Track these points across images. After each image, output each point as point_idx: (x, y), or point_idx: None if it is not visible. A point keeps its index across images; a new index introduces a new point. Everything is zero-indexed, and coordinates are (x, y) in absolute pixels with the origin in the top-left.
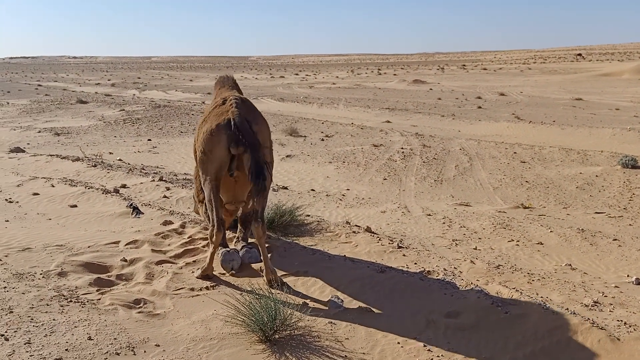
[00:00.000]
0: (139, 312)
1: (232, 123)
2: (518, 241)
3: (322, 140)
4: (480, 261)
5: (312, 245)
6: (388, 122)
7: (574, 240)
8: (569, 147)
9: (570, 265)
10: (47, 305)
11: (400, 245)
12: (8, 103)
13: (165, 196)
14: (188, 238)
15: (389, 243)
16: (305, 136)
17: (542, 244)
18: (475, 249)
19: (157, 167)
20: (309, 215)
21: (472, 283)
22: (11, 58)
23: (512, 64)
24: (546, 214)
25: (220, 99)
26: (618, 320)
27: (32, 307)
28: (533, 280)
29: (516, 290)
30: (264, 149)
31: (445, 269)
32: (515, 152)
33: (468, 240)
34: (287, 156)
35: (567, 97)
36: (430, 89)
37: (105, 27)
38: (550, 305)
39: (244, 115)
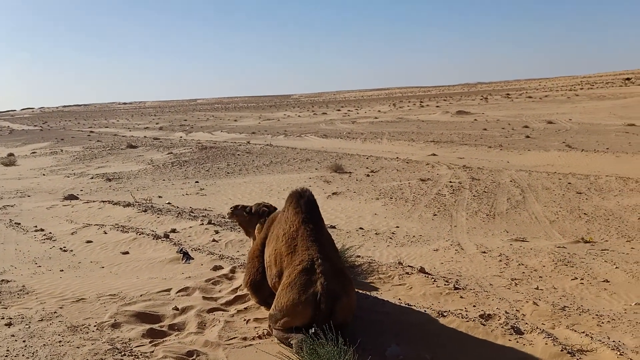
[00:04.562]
0: None
1: (319, 301)
2: (582, 279)
3: (368, 175)
4: (544, 302)
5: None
6: (434, 155)
7: None
8: (626, 176)
9: None
10: (102, 359)
11: (456, 286)
12: (62, 150)
13: (214, 240)
14: (238, 284)
15: (445, 284)
16: (350, 172)
17: (608, 281)
18: (537, 288)
19: (205, 209)
20: (359, 256)
21: (537, 327)
22: (64, 106)
23: (558, 91)
24: (609, 249)
25: (304, 252)
26: None
27: None
28: (603, 323)
29: (586, 335)
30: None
31: (507, 312)
32: (569, 183)
33: (528, 279)
34: (333, 193)
35: (618, 123)
36: (475, 120)
37: (153, 73)
38: (624, 350)
39: (333, 288)
